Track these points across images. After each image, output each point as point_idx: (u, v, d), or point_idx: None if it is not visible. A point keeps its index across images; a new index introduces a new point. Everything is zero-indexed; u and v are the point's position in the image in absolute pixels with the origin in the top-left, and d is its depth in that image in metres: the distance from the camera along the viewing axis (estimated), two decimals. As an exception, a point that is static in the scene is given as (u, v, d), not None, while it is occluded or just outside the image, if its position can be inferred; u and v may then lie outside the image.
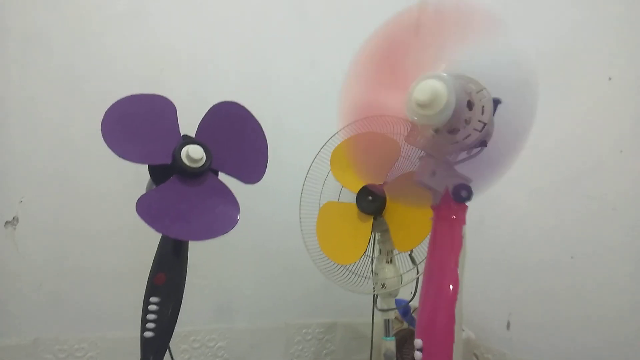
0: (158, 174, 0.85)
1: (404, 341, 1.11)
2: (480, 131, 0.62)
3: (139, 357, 0.86)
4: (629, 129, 0.91)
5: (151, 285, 0.86)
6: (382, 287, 0.97)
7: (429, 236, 0.71)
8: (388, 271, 0.97)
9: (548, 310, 1.03)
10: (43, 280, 1.09)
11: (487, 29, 0.67)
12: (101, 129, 0.79)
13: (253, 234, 1.23)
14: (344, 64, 0.78)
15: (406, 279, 0.97)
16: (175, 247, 0.88)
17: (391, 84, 0.70)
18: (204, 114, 0.92)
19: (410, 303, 1.03)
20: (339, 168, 1.03)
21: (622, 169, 0.91)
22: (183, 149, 0.84)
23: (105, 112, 0.81)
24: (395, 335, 1.00)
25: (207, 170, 0.87)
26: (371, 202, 0.97)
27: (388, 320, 0.99)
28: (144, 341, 0.85)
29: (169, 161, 0.84)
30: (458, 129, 0.63)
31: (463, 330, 1.12)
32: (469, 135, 0.63)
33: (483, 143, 0.67)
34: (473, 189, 0.66)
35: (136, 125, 0.84)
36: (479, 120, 0.62)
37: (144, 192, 0.87)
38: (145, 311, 0.85)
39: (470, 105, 0.62)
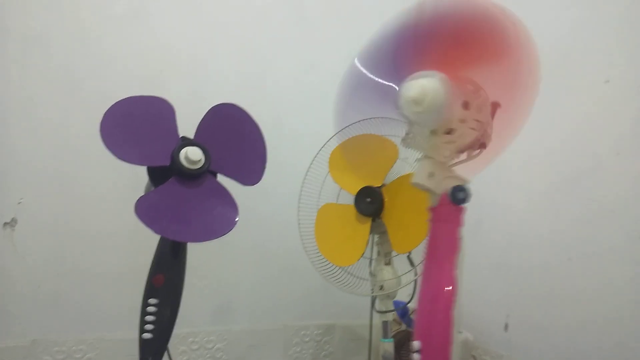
0: (157, 175, 0.85)
1: (402, 343, 1.11)
2: (477, 130, 0.62)
3: (138, 359, 0.86)
4: (626, 131, 0.91)
5: (150, 286, 0.86)
6: (381, 289, 0.97)
7: (427, 238, 0.71)
8: (386, 273, 0.97)
9: (546, 312, 1.03)
10: (41, 281, 1.09)
11: (487, 31, 0.67)
12: (100, 131, 0.79)
13: (251, 236, 1.24)
14: (342, 65, 0.78)
15: (404, 280, 0.97)
16: (173, 248, 0.88)
17: (389, 86, 0.70)
18: (202, 116, 0.92)
19: (408, 305, 1.03)
20: (337, 170, 1.03)
21: (620, 171, 0.92)
22: (182, 151, 0.84)
23: (104, 114, 0.81)
24: (393, 337, 1.00)
25: (206, 172, 0.87)
26: (369, 203, 0.97)
27: (386, 322, 0.99)
28: (143, 342, 0.85)
29: (167, 163, 0.84)
30: (454, 129, 0.63)
31: (461, 332, 1.12)
32: (465, 135, 0.63)
33: (482, 145, 0.67)
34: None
35: (135, 126, 0.85)
36: (475, 120, 0.62)
37: (143, 193, 0.88)
38: (144, 312, 0.86)
39: (466, 105, 0.63)
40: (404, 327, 1.14)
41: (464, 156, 0.67)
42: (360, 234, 0.98)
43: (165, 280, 0.87)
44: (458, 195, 0.66)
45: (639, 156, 0.89)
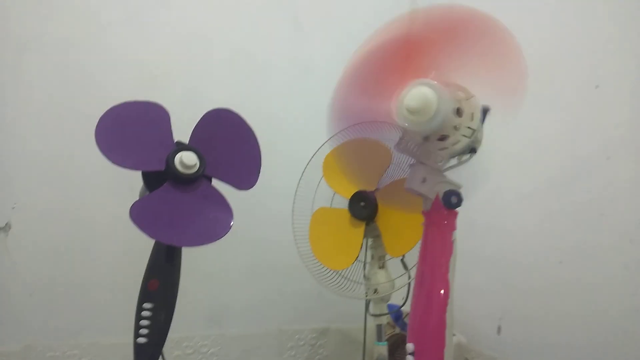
0: (151, 180, 0.86)
1: (396, 346, 1.11)
2: (469, 137, 0.63)
3: (132, 363, 0.86)
4: (616, 135, 0.92)
5: (144, 291, 0.86)
6: (375, 293, 0.97)
7: (420, 242, 0.71)
8: (380, 276, 0.98)
9: (539, 315, 1.04)
10: (35, 286, 1.09)
11: (477, 36, 0.68)
12: (95, 136, 0.80)
13: (246, 240, 1.23)
14: (337, 69, 0.79)
15: (398, 284, 0.98)
16: (168, 253, 0.88)
17: (382, 92, 0.71)
18: (197, 121, 0.93)
19: (402, 308, 1.04)
20: (331, 174, 1.03)
21: (610, 175, 0.93)
22: (176, 156, 0.84)
23: (99, 119, 0.81)
24: (387, 340, 1.01)
25: (201, 177, 0.87)
26: (363, 208, 0.98)
27: (380, 325, 1.00)
28: (137, 347, 0.85)
29: (162, 167, 0.84)
30: (447, 136, 0.64)
31: (454, 334, 1.13)
32: (458, 142, 0.64)
33: (473, 150, 0.68)
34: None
35: (130, 131, 0.85)
36: (467, 127, 0.63)
37: (137, 198, 0.88)
38: (139, 317, 0.85)
39: (459, 112, 0.64)
40: (398, 330, 1.15)
41: (454, 161, 0.68)
42: (354, 238, 0.98)
43: (160, 285, 0.87)
44: (451, 200, 0.67)
45: (629, 160, 0.90)
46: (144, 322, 0.85)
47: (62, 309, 1.10)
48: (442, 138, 0.65)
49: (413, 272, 0.93)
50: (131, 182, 0.91)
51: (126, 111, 0.85)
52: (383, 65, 0.73)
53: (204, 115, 0.93)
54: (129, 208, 0.79)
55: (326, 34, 1.38)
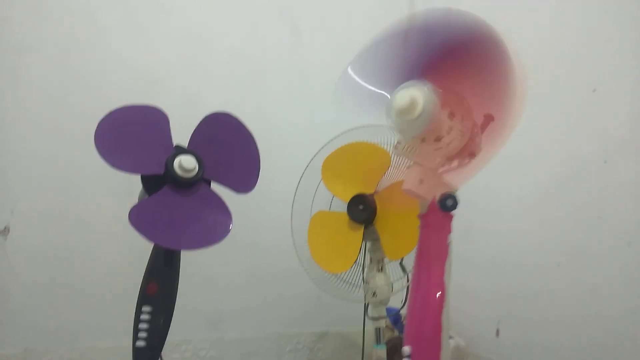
0: (151, 183, 0.86)
1: (395, 349, 1.11)
2: (462, 139, 0.64)
3: (131, 367, 0.86)
4: (614, 138, 0.93)
5: (143, 294, 0.86)
6: (373, 296, 0.97)
7: (416, 244, 0.72)
8: (379, 279, 0.98)
9: (537, 318, 1.04)
10: (34, 290, 1.09)
11: (477, 41, 0.68)
12: (94, 140, 0.80)
13: (245, 243, 1.24)
14: (334, 73, 0.80)
15: (397, 287, 0.98)
16: (167, 256, 0.88)
17: (380, 95, 0.72)
18: (196, 124, 0.93)
19: (400, 311, 1.04)
20: (330, 177, 1.04)
21: (607, 178, 0.93)
22: (176, 159, 0.85)
23: (99, 123, 0.82)
24: (386, 343, 1.01)
25: (200, 180, 0.88)
26: (362, 211, 0.98)
27: (379, 328, 1.00)
28: (136, 351, 0.85)
29: (161, 171, 0.85)
30: (443, 137, 0.65)
31: (453, 337, 1.13)
32: (452, 141, 0.65)
33: (471, 154, 0.68)
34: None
35: (129, 135, 0.85)
36: (459, 129, 0.65)
37: (137, 202, 0.88)
38: (137, 320, 0.85)
39: (452, 114, 0.65)
40: (396, 333, 1.15)
41: (454, 164, 0.69)
42: (353, 241, 0.99)
43: (159, 288, 0.87)
44: (447, 203, 0.67)
45: (627, 163, 0.90)
46: (142, 326, 0.85)
47: (61, 312, 1.10)
48: (438, 139, 0.65)
49: (412, 275, 0.93)
50: (130, 186, 0.91)
51: (125, 115, 0.86)
52: (382, 69, 0.74)
53: (203, 119, 0.93)
54: (128, 211, 0.79)
55: (324, 40, 1.39)
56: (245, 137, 0.97)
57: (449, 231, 0.69)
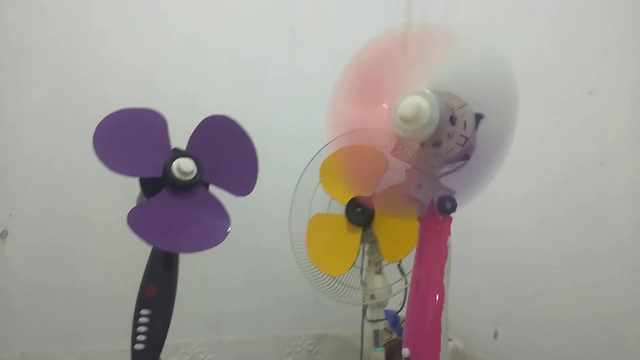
0: (149, 187, 0.86)
1: (394, 352, 1.11)
2: (462, 145, 0.64)
3: (129, 370, 0.86)
4: (610, 140, 0.93)
5: (142, 297, 0.86)
6: (372, 298, 0.98)
7: (415, 247, 0.72)
8: (377, 282, 0.98)
9: (535, 320, 1.04)
10: (32, 293, 1.09)
11: (471, 46, 0.69)
12: (93, 142, 0.80)
13: (243, 247, 1.24)
14: (331, 79, 0.80)
15: (395, 289, 0.98)
16: (166, 259, 0.88)
17: (378, 99, 0.72)
18: (195, 127, 0.93)
19: (399, 314, 1.04)
20: (328, 180, 1.04)
21: (605, 180, 0.94)
22: (174, 162, 0.85)
23: (97, 126, 0.82)
24: (384, 345, 1.01)
25: (198, 183, 0.88)
26: (360, 213, 0.98)
27: (377, 331, 1.00)
28: (135, 354, 0.85)
29: (160, 174, 0.85)
30: (442, 142, 0.65)
31: (451, 339, 1.13)
32: (451, 149, 0.65)
33: (466, 157, 0.68)
34: (458, 201, 0.68)
35: (127, 138, 0.85)
36: (461, 135, 0.64)
37: (135, 204, 0.88)
38: (136, 323, 0.85)
39: (453, 120, 0.64)
40: (395, 336, 1.15)
41: (449, 168, 0.69)
42: (351, 244, 0.99)
43: (158, 291, 0.87)
44: (445, 206, 0.67)
45: (624, 165, 0.91)
46: (141, 329, 0.85)
47: (60, 315, 1.10)
48: (437, 144, 0.65)
49: (410, 278, 0.93)
50: (129, 188, 0.91)
51: (124, 118, 0.86)
52: (378, 74, 0.74)
53: (201, 122, 0.94)
54: (126, 214, 0.79)
55: (322, 43, 1.39)
56: (244, 139, 0.97)
57: (448, 234, 0.69)
